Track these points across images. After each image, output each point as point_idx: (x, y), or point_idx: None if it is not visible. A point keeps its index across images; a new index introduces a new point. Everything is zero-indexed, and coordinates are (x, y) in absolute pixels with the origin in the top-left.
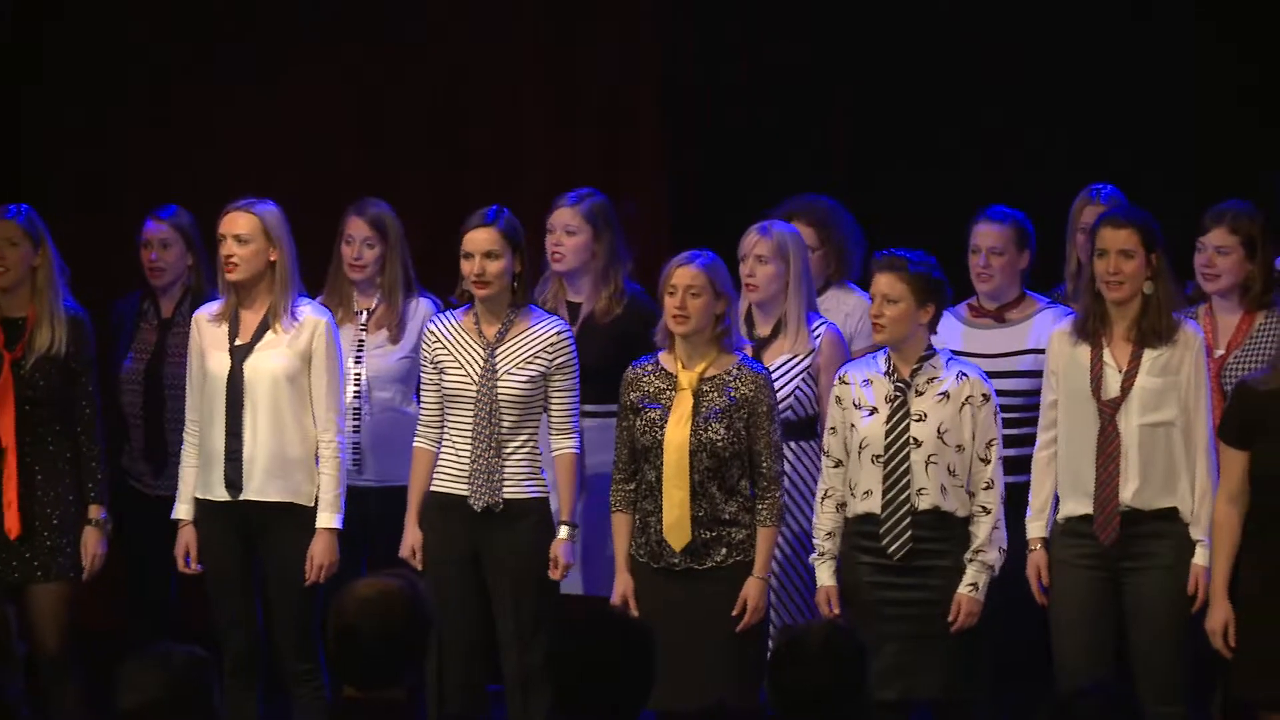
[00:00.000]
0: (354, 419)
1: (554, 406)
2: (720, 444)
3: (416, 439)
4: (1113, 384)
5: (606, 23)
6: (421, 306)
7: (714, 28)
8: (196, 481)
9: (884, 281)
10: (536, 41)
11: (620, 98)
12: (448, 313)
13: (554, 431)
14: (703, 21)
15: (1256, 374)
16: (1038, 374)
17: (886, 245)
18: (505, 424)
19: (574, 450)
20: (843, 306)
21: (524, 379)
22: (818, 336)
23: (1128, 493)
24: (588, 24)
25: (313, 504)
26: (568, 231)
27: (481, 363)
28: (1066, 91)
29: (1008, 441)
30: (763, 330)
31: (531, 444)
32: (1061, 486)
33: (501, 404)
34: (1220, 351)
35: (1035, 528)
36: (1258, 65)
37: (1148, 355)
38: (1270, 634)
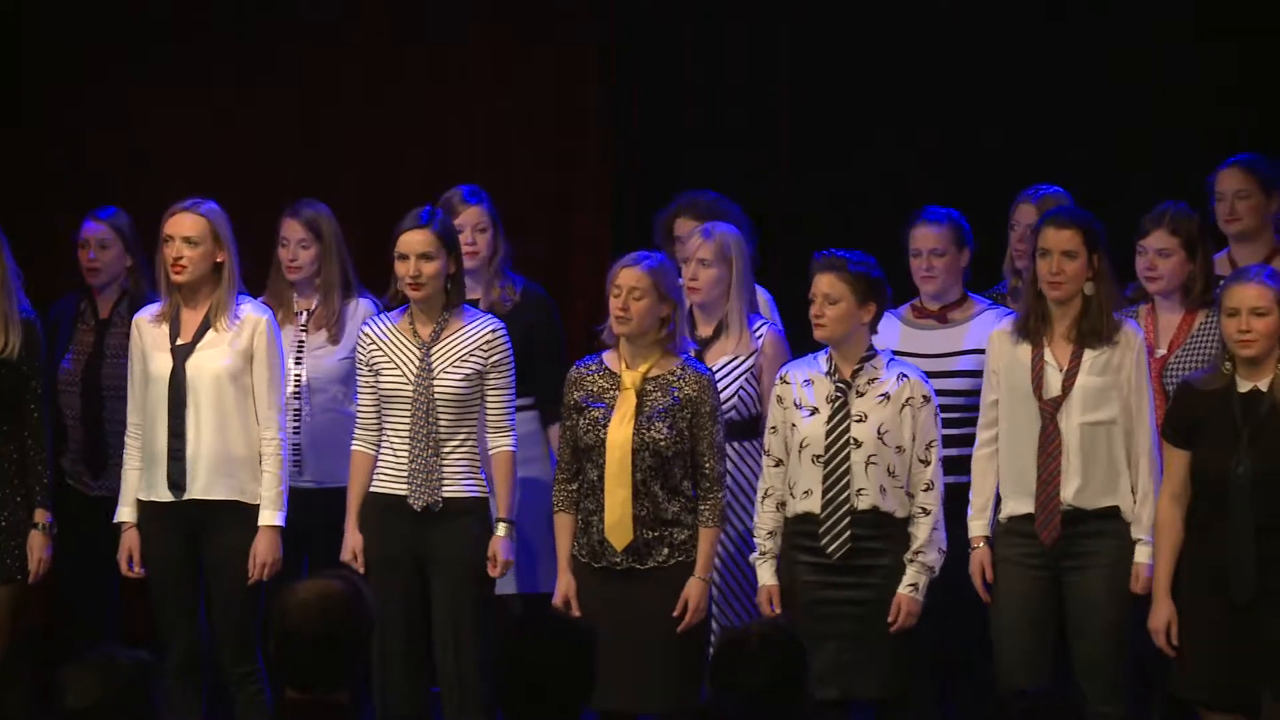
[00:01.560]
0: (294, 420)
1: (490, 405)
2: (663, 444)
3: (355, 442)
4: (1054, 383)
5: (548, 24)
6: (361, 307)
7: (655, 29)
8: (140, 483)
9: (825, 281)
10: (476, 42)
11: (562, 99)
12: (382, 315)
13: (490, 430)
14: (645, 23)
15: (1199, 373)
16: (977, 374)
17: (826, 246)
18: (443, 423)
19: (511, 448)
20: None
21: (460, 378)
22: (759, 337)
23: (1069, 492)
24: (529, 26)
25: (257, 502)
26: (478, 229)
27: (417, 363)
28: (1003, 91)
29: (948, 441)
30: (704, 331)
31: (470, 443)
32: (1003, 486)
33: (438, 404)
34: (1162, 351)
35: (977, 526)
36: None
37: (1088, 355)
38: (1210, 633)
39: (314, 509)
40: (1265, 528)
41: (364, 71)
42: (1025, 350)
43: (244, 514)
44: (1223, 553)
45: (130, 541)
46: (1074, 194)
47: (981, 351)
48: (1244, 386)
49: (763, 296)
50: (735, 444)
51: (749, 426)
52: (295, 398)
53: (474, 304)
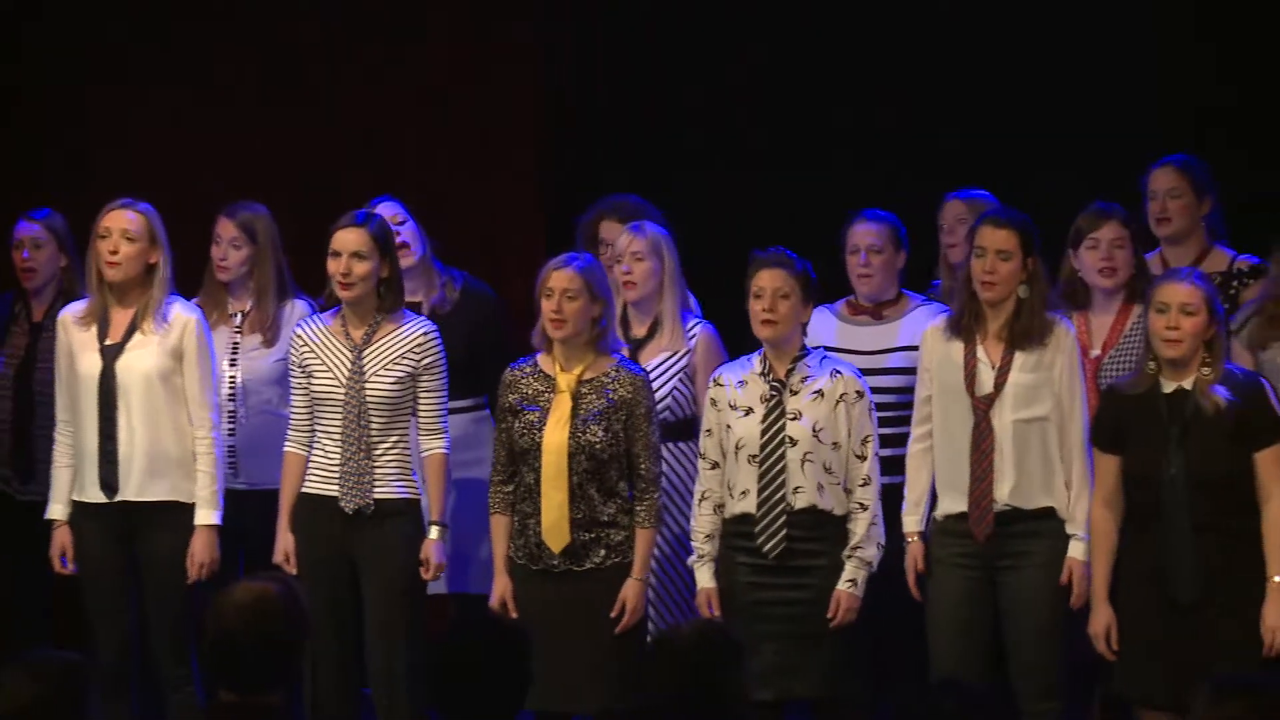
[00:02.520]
0: (229, 422)
1: (422, 407)
2: (599, 446)
3: (287, 443)
4: (986, 380)
5: (482, 27)
6: (297, 309)
7: (591, 27)
8: (71, 483)
9: (777, 276)
10: (410, 44)
11: (495, 102)
12: (315, 316)
13: (423, 432)
14: (580, 21)
15: (1123, 378)
16: (909, 370)
17: (754, 248)
18: (374, 426)
19: (443, 450)
20: None
21: (391, 380)
22: (693, 336)
23: (1004, 490)
24: (462, 28)
25: (192, 502)
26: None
27: (349, 365)
28: (937, 94)
29: (881, 441)
30: (638, 331)
31: (402, 445)
32: (938, 484)
33: (370, 406)
34: (1096, 352)
35: (911, 521)
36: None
37: (1020, 353)
38: (1148, 633)
39: (249, 511)
40: (1201, 527)
41: (300, 73)
42: (958, 348)
43: (179, 514)
44: (1158, 554)
45: (62, 539)
46: (1000, 197)
47: (915, 348)
48: (1169, 387)
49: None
50: (670, 445)
51: (683, 427)
52: (230, 400)
53: (415, 306)
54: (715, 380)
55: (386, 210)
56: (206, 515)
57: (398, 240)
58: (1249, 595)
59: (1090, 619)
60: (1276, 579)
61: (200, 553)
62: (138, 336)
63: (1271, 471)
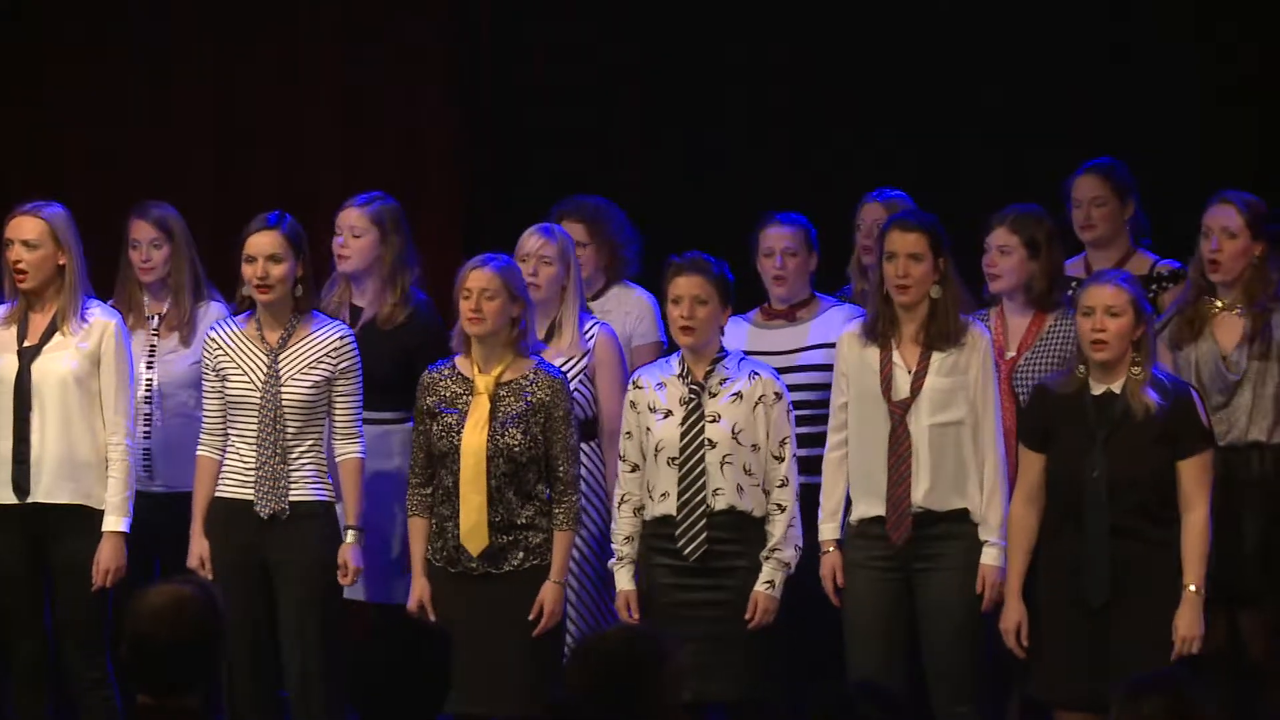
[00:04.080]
0: (145, 424)
1: (338, 411)
2: (517, 449)
3: (200, 447)
4: (902, 385)
5: (399, 23)
6: (213, 310)
7: (507, 27)
8: None
9: (694, 283)
10: (325, 40)
11: (412, 98)
12: (229, 319)
13: (338, 436)
14: (496, 21)
15: (1053, 376)
16: (823, 368)
17: (673, 248)
18: (290, 429)
19: (359, 455)
20: (624, 305)
21: (307, 384)
22: (591, 338)
23: (919, 493)
24: (379, 24)
25: (103, 507)
26: (354, 234)
27: (264, 369)
28: (853, 96)
29: (799, 440)
30: (537, 333)
31: (317, 449)
32: (854, 488)
33: (285, 410)
34: (1011, 353)
35: (828, 529)
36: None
37: (936, 356)
38: (1065, 634)
39: (165, 514)
40: (1118, 530)
41: (214, 70)
42: (873, 353)
43: (89, 519)
44: (1076, 554)
45: None
46: (917, 199)
47: (827, 346)
48: (1097, 389)
49: (647, 301)
50: None
51: (586, 428)
52: (146, 402)
53: (358, 310)
54: (634, 383)
55: (347, 216)
56: (115, 522)
57: (346, 253)
58: (1160, 599)
59: (1002, 614)
60: (1192, 587)
61: (106, 559)
62: (56, 339)
63: (1196, 480)
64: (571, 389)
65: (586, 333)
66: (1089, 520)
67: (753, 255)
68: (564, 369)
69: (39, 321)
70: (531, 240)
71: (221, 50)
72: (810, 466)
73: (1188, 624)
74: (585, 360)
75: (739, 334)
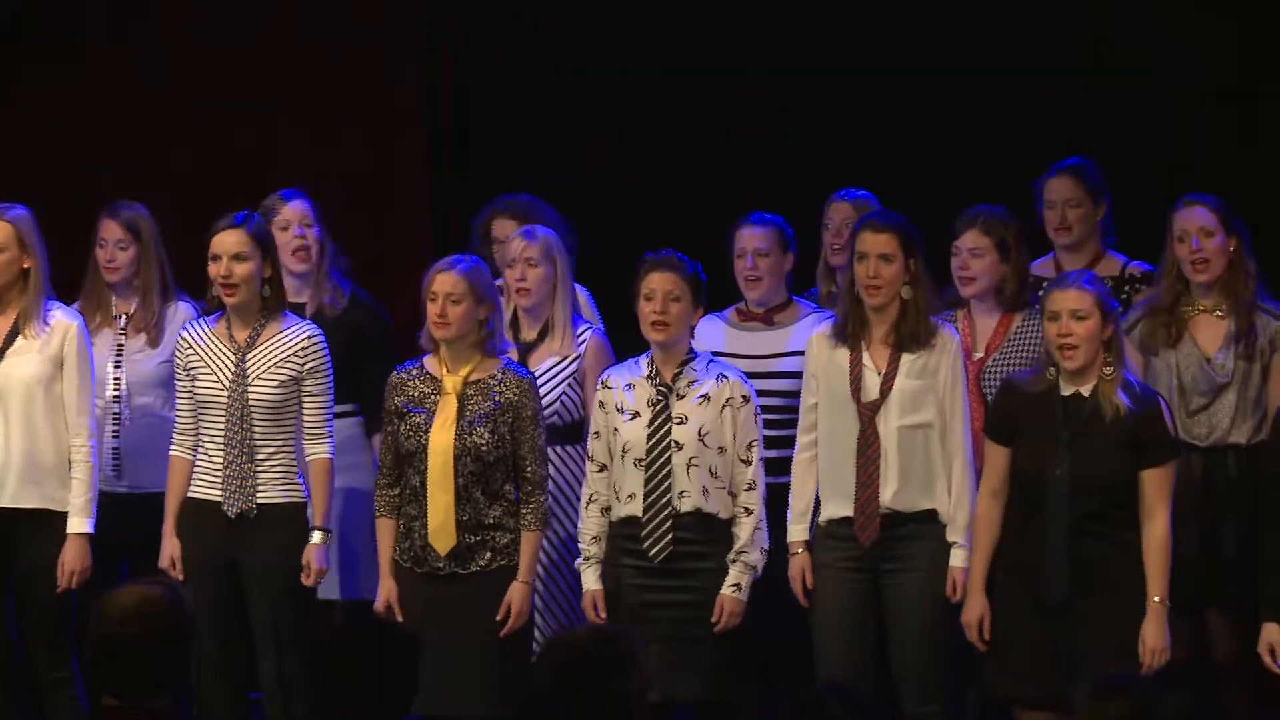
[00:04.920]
0: (113, 425)
1: (307, 411)
2: (484, 449)
3: (173, 447)
4: (872, 387)
5: (369, 23)
6: (181, 310)
7: (477, 29)
8: None
9: (667, 280)
10: (296, 41)
11: (382, 99)
12: (199, 319)
13: (307, 436)
14: (467, 23)
15: (1024, 373)
16: (799, 375)
17: (644, 249)
18: (258, 430)
19: (328, 455)
20: None
21: (275, 384)
22: (583, 341)
23: (887, 495)
24: (350, 24)
25: (66, 509)
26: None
27: (232, 369)
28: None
29: (769, 443)
30: (529, 334)
31: (286, 449)
32: (822, 489)
33: (253, 410)
34: (979, 354)
35: (797, 531)
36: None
37: (906, 358)
38: (1024, 631)
39: (133, 515)
40: (1078, 530)
41: (185, 72)
42: (843, 354)
43: (54, 522)
44: (1037, 552)
45: None
46: (884, 199)
47: (804, 353)
48: (1067, 390)
49: (582, 296)
50: (557, 448)
51: (571, 431)
52: (114, 402)
53: (300, 308)
54: (603, 383)
55: (296, 208)
56: (79, 524)
57: (302, 242)
58: (1118, 599)
59: (964, 608)
60: (1156, 599)
61: (71, 561)
62: (20, 342)
63: (1158, 490)
64: (560, 392)
65: (579, 335)
66: (1049, 519)
67: (729, 256)
68: (555, 370)
69: (1, 325)
70: (515, 244)
71: (196, 49)
72: (782, 469)
73: (1154, 635)
74: (576, 364)
75: (715, 334)
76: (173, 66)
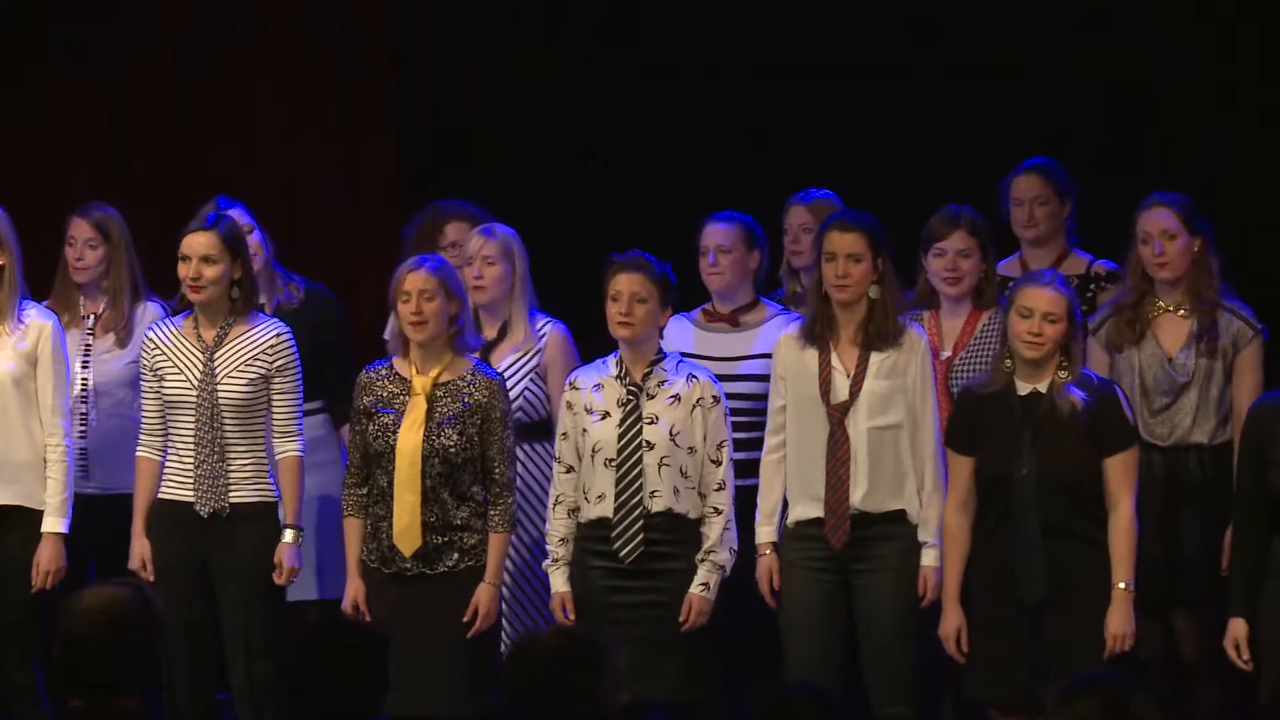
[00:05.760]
0: (80, 425)
1: (276, 409)
2: (453, 450)
3: (140, 448)
4: (841, 388)
5: (340, 24)
6: (150, 311)
7: (446, 30)
8: None
9: (634, 281)
10: (267, 42)
11: (352, 100)
12: (166, 320)
13: (277, 435)
14: (436, 24)
15: (978, 379)
16: (765, 377)
17: (613, 250)
18: (228, 429)
19: (298, 453)
20: None
21: (244, 383)
22: (543, 335)
23: (857, 496)
24: (320, 25)
25: (42, 508)
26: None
27: (201, 368)
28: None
29: (737, 445)
30: (489, 332)
31: (256, 448)
32: (791, 491)
33: (223, 409)
34: (947, 353)
35: (765, 532)
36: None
37: (875, 359)
38: (999, 635)
39: (101, 515)
40: (1050, 529)
41: (155, 72)
42: (812, 355)
43: (28, 520)
44: (1009, 555)
45: None
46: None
47: (771, 356)
48: (1024, 389)
49: (560, 331)
50: (524, 447)
51: (537, 428)
52: (82, 402)
53: (260, 308)
54: (571, 384)
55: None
56: (54, 523)
57: (253, 240)
58: (1094, 597)
59: (941, 621)
60: (1122, 585)
61: (46, 561)
62: None
63: (1120, 478)
64: (522, 387)
65: (539, 330)
66: (1021, 519)
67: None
68: (516, 365)
69: None
70: (473, 242)
71: (166, 49)
72: (749, 471)
73: (1118, 622)
74: (537, 359)
75: (684, 336)
76: (145, 63)
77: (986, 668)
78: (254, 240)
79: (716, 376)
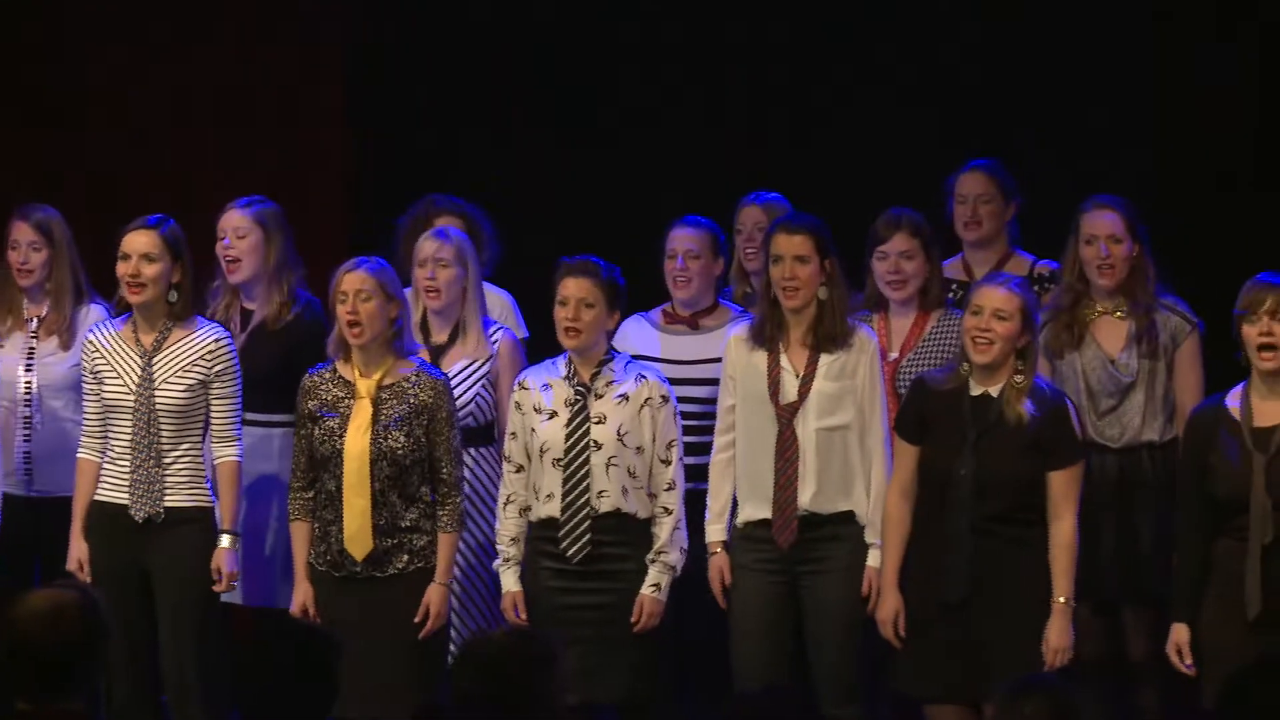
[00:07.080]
0: (24, 429)
1: (214, 414)
2: (401, 452)
3: (80, 450)
4: (790, 389)
5: (291, 22)
6: (93, 313)
7: (397, 29)
8: None
9: (582, 286)
10: (216, 40)
11: (303, 98)
12: (107, 322)
13: (215, 440)
14: (388, 23)
15: (936, 372)
16: None
17: (566, 251)
18: (164, 433)
19: (235, 458)
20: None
21: (182, 388)
22: (495, 342)
23: (805, 497)
24: (272, 23)
25: None
26: (238, 235)
27: (139, 372)
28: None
29: (694, 449)
30: (439, 337)
31: (193, 453)
32: (740, 491)
33: (160, 413)
34: (895, 355)
35: (715, 531)
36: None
37: (824, 360)
38: (930, 629)
39: (45, 518)
40: (981, 529)
41: (103, 69)
42: (762, 356)
43: None
44: (942, 551)
45: None
46: (796, 203)
47: None
48: (976, 390)
49: (505, 300)
50: (472, 450)
51: (485, 433)
52: (25, 405)
53: (249, 314)
54: (520, 384)
55: (231, 219)
56: None
57: (232, 254)
58: (1021, 599)
59: (879, 605)
60: (1062, 599)
61: None
62: None
63: (1064, 492)
64: (474, 393)
65: (490, 336)
66: (952, 518)
67: (659, 257)
68: (467, 372)
69: None
70: (427, 245)
71: (115, 47)
72: (704, 473)
73: (1058, 635)
74: (488, 365)
75: (649, 339)
76: (92, 60)
77: (918, 662)
78: (254, 240)
79: (675, 380)
